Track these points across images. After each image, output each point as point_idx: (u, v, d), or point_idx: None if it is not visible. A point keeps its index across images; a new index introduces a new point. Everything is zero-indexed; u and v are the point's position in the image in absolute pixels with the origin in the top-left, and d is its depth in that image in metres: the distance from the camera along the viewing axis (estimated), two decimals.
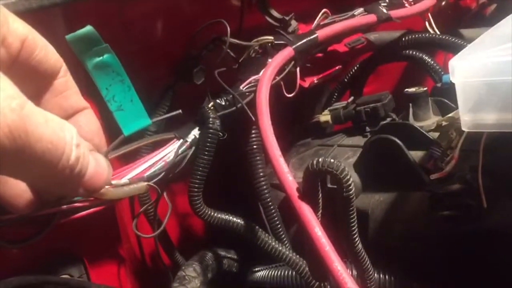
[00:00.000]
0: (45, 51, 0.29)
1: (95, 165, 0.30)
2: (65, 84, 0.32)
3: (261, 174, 0.59)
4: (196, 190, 0.52)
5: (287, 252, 0.56)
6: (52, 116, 0.26)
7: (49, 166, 0.26)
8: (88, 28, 0.32)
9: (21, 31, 0.28)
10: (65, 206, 0.40)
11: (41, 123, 0.25)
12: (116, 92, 0.34)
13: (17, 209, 0.32)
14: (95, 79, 0.33)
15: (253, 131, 0.58)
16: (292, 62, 0.60)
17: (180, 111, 0.40)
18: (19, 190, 0.32)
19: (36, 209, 0.33)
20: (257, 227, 0.57)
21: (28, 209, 0.33)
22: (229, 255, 0.65)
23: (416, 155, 0.54)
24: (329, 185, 0.52)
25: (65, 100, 0.32)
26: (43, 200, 0.33)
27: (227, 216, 0.56)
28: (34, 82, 0.30)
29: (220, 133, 0.51)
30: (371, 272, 0.46)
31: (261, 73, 0.56)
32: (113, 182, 0.42)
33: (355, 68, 0.83)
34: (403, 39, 0.76)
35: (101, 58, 0.33)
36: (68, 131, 0.27)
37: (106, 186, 0.41)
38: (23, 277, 0.44)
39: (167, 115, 0.38)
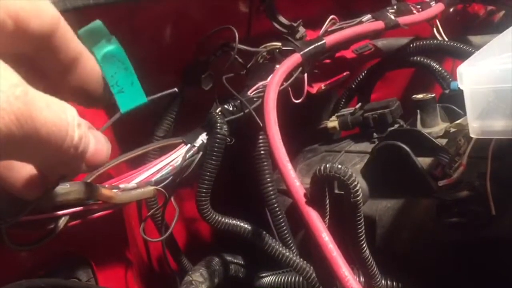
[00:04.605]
0: (39, 17, 0.28)
1: (95, 142, 0.31)
2: (65, 34, 0.31)
3: (269, 179, 0.59)
4: (203, 195, 0.52)
5: (294, 258, 0.56)
6: (52, 98, 0.26)
7: (54, 147, 0.26)
8: (97, 22, 0.34)
9: (12, 8, 0.27)
10: (73, 210, 0.40)
11: (43, 107, 0.25)
12: (119, 78, 0.36)
13: (23, 193, 0.33)
14: (103, 69, 0.35)
15: (260, 137, 0.59)
16: (300, 68, 0.61)
17: (175, 89, 0.40)
18: (24, 173, 0.32)
19: (40, 192, 0.33)
20: (264, 232, 0.57)
21: (33, 192, 0.33)
22: (236, 261, 0.65)
23: (424, 161, 0.54)
24: (336, 191, 0.52)
25: (67, 47, 0.31)
26: (47, 182, 0.34)
27: (234, 221, 0.56)
28: (33, 43, 0.30)
29: (228, 138, 0.52)
30: (378, 279, 0.46)
31: (269, 79, 0.56)
32: (121, 186, 0.43)
33: (363, 74, 0.83)
34: (411, 45, 0.76)
35: (108, 49, 0.35)
36: (70, 112, 0.27)
37: (114, 190, 0.41)
38: (31, 280, 0.45)
39: (162, 93, 0.39)
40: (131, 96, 0.36)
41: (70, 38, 0.32)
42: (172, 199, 0.51)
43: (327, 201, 0.41)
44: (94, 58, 0.34)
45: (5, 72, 0.24)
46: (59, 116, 0.26)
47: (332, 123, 0.73)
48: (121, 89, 0.36)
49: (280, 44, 0.61)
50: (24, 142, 0.24)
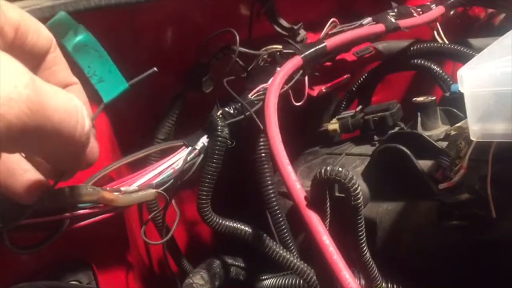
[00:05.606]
0: (37, 35, 0.30)
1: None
2: (54, 60, 0.32)
3: (269, 182, 0.59)
4: (204, 197, 0.52)
5: (295, 261, 0.56)
6: (56, 87, 0.26)
7: (67, 135, 0.26)
8: (61, 13, 0.34)
9: (15, 19, 0.28)
10: (74, 213, 0.40)
11: (52, 94, 0.25)
12: (96, 68, 0.36)
13: (24, 199, 0.33)
14: (77, 59, 0.35)
15: (261, 139, 0.59)
16: (301, 71, 0.61)
17: (154, 68, 0.40)
18: (24, 179, 0.32)
19: (41, 198, 0.33)
20: (265, 235, 0.57)
21: (33, 198, 0.33)
22: (236, 263, 0.65)
23: (424, 164, 0.54)
24: (337, 194, 0.52)
25: (54, 76, 0.32)
26: (48, 186, 0.34)
27: (235, 224, 0.56)
28: (27, 63, 0.31)
29: (229, 141, 0.52)
30: (379, 281, 0.46)
31: (269, 81, 0.56)
32: (122, 189, 0.43)
33: (364, 77, 0.83)
34: (412, 48, 0.76)
35: (78, 39, 0.34)
36: (76, 100, 0.27)
37: (115, 193, 0.41)
38: (32, 283, 0.45)
39: (142, 75, 0.38)
40: (111, 84, 0.36)
41: (61, 66, 0.33)
42: (173, 201, 0.51)
43: (328, 204, 0.41)
44: (66, 50, 0.34)
45: (11, 61, 0.23)
46: (68, 103, 0.26)
47: (333, 125, 0.73)
48: (101, 79, 0.35)
49: (281, 47, 0.61)
50: (36, 132, 0.24)
